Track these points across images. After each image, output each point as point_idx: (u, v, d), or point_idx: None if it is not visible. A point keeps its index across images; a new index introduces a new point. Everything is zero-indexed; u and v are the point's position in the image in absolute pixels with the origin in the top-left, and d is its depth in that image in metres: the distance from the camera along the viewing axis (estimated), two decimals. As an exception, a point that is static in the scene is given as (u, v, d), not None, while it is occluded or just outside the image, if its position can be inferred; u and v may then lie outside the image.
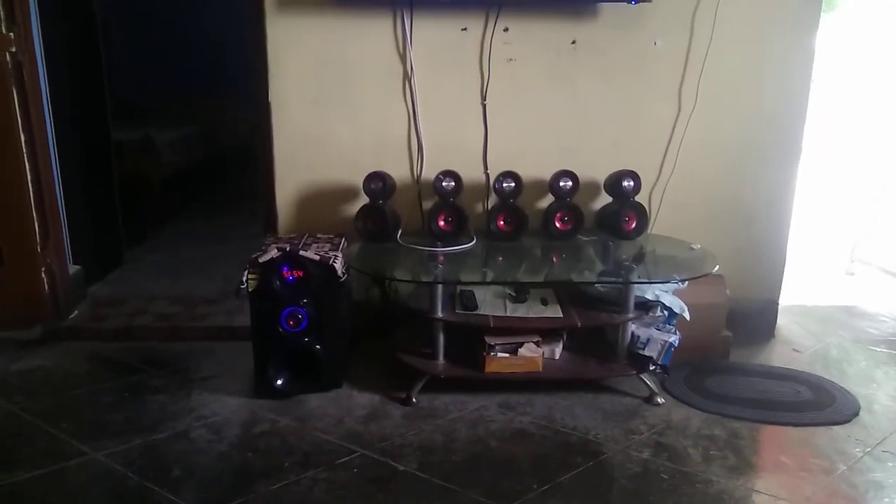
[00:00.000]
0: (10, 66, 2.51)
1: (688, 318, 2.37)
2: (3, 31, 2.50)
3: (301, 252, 2.27)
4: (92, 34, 3.27)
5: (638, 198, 2.57)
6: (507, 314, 2.34)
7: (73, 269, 2.97)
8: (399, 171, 2.64)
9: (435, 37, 2.53)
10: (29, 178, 2.62)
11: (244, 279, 2.24)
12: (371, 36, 2.52)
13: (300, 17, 2.49)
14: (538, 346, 2.30)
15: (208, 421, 2.14)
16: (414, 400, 2.26)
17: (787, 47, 2.59)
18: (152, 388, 2.36)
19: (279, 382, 2.27)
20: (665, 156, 2.67)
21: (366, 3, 2.47)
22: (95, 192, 3.28)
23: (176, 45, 5.30)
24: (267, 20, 2.50)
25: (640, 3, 2.40)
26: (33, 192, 2.63)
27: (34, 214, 2.64)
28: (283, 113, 2.59)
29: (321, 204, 2.67)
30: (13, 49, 2.53)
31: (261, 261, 2.23)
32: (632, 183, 2.53)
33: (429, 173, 2.61)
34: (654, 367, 2.30)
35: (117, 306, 2.97)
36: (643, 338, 2.33)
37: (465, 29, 2.53)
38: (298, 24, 2.50)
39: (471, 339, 2.35)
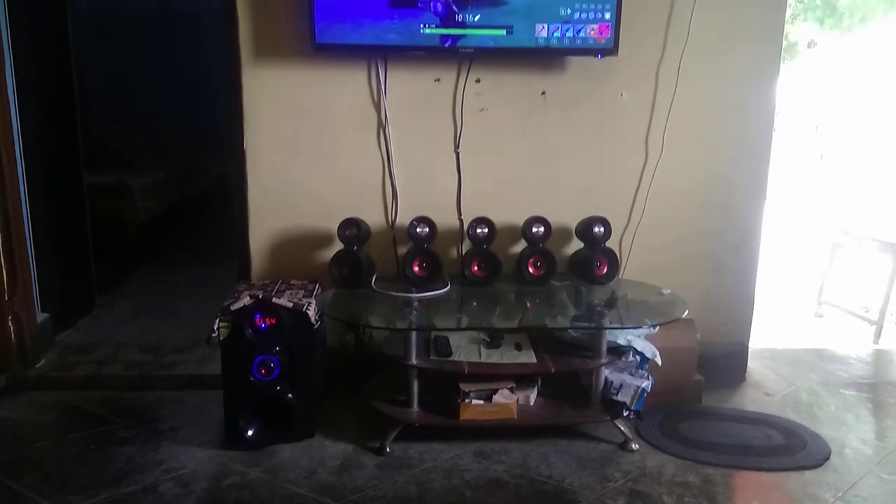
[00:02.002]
0: (-18, 114, 2.52)
1: (659, 362, 2.39)
2: (-24, 79, 2.51)
3: (274, 299, 2.26)
4: (67, 79, 3.29)
5: (609, 243, 2.61)
6: (482, 360, 2.34)
7: (41, 316, 2.92)
8: (374, 217, 2.66)
9: (409, 87, 2.58)
10: (-1, 223, 2.59)
11: (216, 327, 2.22)
12: (346, 86, 2.57)
13: (276, 66, 2.54)
14: (512, 393, 2.30)
15: (177, 474, 2.09)
16: (388, 449, 2.23)
17: (748, 96, 2.68)
18: (120, 440, 2.30)
19: (250, 433, 2.23)
20: (634, 202, 2.73)
21: (341, 55, 2.52)
22: (67, 237, 3.25)
23: (152, 90, 5.33)
24: (243, 69, 2.54)
25: (607, 57, 2.48)
26: (2, 239, 2.60)
27: (2, 262, 2.60)
28: (258, 160, 2.61)
29: (295, 250, 2.67)
30: (-14, 97, 2.53)
31: (233, 308, 2.22)
32: (602, 229, 2.58)
33: (403, 219, 2.63)
34: (627, 413, 2.31)
35: (86, 354, 2.92)
36: (616, 383, 2.34)
37: (438, 80, 2.59)
38: (274, 73, 2.54)
39: (445, 385, 2.34)
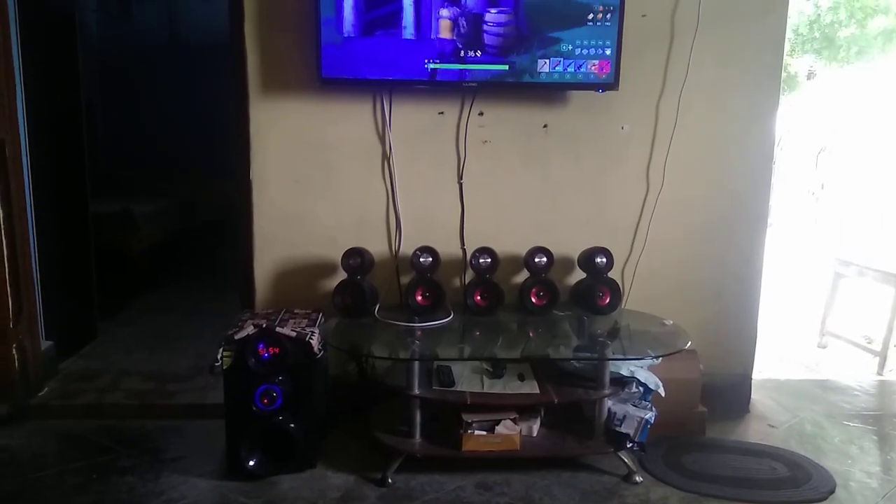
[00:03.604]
0: (-7, 144, 2.56)
1: (663, 394, 2.38)
2: (-11, 110, 2.55)
3: (277, 328, 2.27)
4: (76, 112, 3.35)
5: (611, 273, 2.62)
6: (484, 390, 2.34)
7: (45, 344, 2.93)
8: (377, 247, 2.68)
9: (413, 120, 2.62)
10: (6, 253, 2.61)
11: (219, 356, 2.22)
12: (352, 119, 2.61)
13: (283, 99, 2.58)
14: (515, 424, 2.30)
15: (178, 504, 2.09)
16: (390, 480, 2.22)
17: (748, 129, 2.72)
18: (121, 469, 2.29)
19: (251, 463, 2.23)
20: (636, 233, 2.75)
21: (347, 89, 2.56)
22: (72, 265, 3.28)
23: (159, 120, 5.40)
24: (251, 101, 2.58)
25: (608, 92, 2.52)
26: (9, 267, 2.62)
27: (8, 290, 2.62)
28: (264, 190, 2.65)
29: (299, 279, 2.69)
30: (-2, 128, 2.58)
31: (236, 338, 2.23)
32: (604, 259, 2.59)
33: (407, 249, 2.65)
34: (631, 445, 2.30)
35: (89, 382, 2.92)
36: (619, 414, 2.33)
37: (441, 113, 2.63)
38: (281, 106, 2.59)
39: (448, 415, 2.33)
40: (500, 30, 2.41)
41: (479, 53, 2.43)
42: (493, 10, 2.40)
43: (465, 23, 2.40)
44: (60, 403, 2.74)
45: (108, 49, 5.18)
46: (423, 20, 2.40)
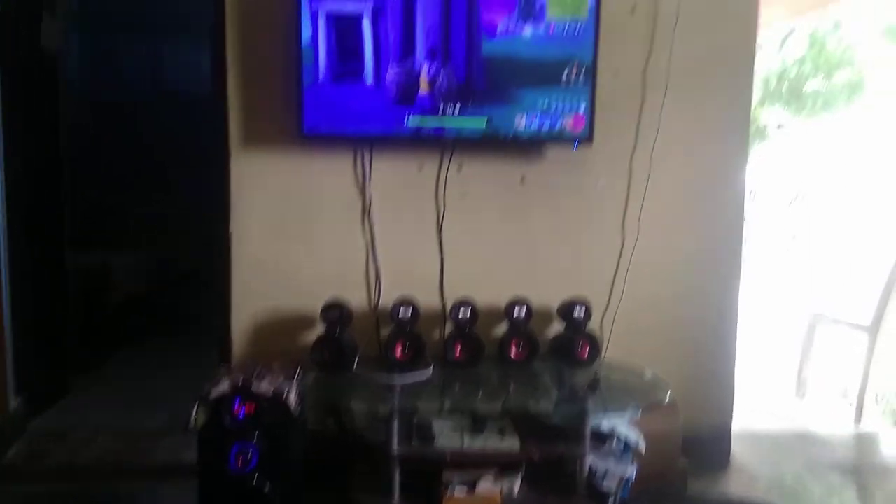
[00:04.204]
0: (-32, 199, 2.54)
1: (643, 450, 2.37)
2: (-34, 165, 2.54)
3: (254, 385, 2.23)
4: (55, 162, 3.34)
5: (590, 324, 2.63)
6: (465, 445, 2.31)
7: (14, 401, 2.85)
8: (357, 300, 2.67)
9: (393, 173, 2.65)
10: (-24, 309, 2.57)
11: (193, 415, 2.18)
12: (332, 172, 2.64)
13: (264, 153, 2.61)
14: (496, 481, 2.26)
15: (147, 571, 2.01)
16: (368, 541, 2.17)
17: (719, 182, 2.79)
18: (89, 534, 2.22)
19: (225, 526, 2.16)
20: (613, 284, 2.78)
21: (328, 144, 2.59)
22: (46, 319, 3.21)
23: (139, 171, 5.40)
24: (232, 154, 2.60)
25: (583, 146, 2.58)
26: (-21, 323, 2.57)
27: (-23, 346, 2.57)
28: (243, 243, 2.64)
29: (277, 332, 2.66)
30: (-26, 183, 2.56)
31: (211, 395, 2.19)
32: (583, 311, 2.60)
33: (386, 301, 2.65)
34: (612, 502, 2.27)
35: (59, 442, 2.83)
36: (601, 471, 2.31)
37: (421, 167, 2.67)
38: (262, 159, 2.61)
39: (427, 473, 2.29)
40: (476, 87, 2.47)
41: (457, 109, 2.48)
42: (468, 69, 2.46)
43: (443, 79, 2.46)
44: (29, 466, 2.65)
45: (89, 100, 5.20)
46: (404, 72, 2.45)
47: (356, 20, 2.44)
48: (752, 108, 2.86)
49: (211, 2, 2.59)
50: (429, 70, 2.45)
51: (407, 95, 2.46)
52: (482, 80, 2.47)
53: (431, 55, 2.45)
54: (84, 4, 4.63)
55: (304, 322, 2.65)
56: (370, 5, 2.42)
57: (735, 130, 2.79)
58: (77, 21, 4.46)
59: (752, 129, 2.83)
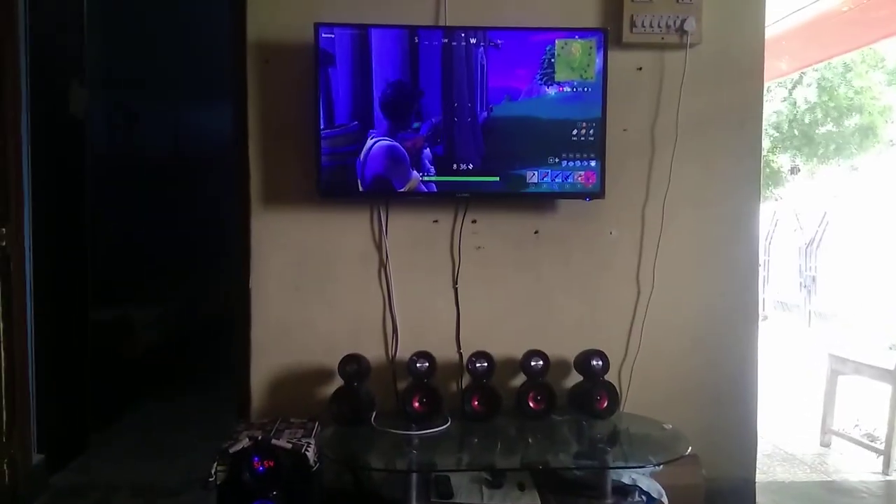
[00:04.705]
0: (-2, 258, 2.62)
1: (666, 502, 2.34)
2: (-3, 226, 2.63)
3: (273, 440, 2.25)
4: (80, 220, 3.43)
5: (607, 376, 2.63)
6: (484, 501, 2.29)
7: (36, 458, 2.87)
8: (374, 353, 2.69)
9: (409, 228, 2.71)
10: (3, 366, 2.62)
11: (213, 470, 2.19)
12: (349, 228, 2.70)
13: (283, 211, 2.68)
14: (516, 537, 2.24)
15: None
16: None
17: (733, 231, 2.80)
18: None
19: (244, 585, 2.15)
20: (630, 335, 2.78)
21: (346, 202, 2.67)
22: (67, 375, 3.26)
23: (160, 227, 5.52)
24: (252, 213, 2.67)
25: (595, 200, 2.62)
26: (5, 382, 2.62)
27: (3, 404, 2.61)
28: (263, 297, 2.69)
29: (296, 386, 2.68)
30: (3, 244, 2.65)
31: (231, 451, 2.20)
32: (600, 362, 2.60)
33: (403, 354, 2.67)
34: (635, 557, 2.23)
35: (79, 498, 2.84)
36: (622, 525, 2.28)
37: (436, 221, 2.72)
38: (281, 217, 2.67)
39: (446, 529, 2.27)
40: (487, 147, 2.54)
41: (470, 167, 2.55)
42: (482, 128, 2.54)
43: (456, 139, 2.53)
44: (49, 521, 2.66)
45: (112, 158, 5.37)
46: (415, 134, 2.53)
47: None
48: (765, 153, 2.90)
49: (232, 67, 2.71)
50: (440, 133, 2.53)
51: (415, 160, 2.54)
52: (493, 140, 2.54)
53: (444, 117, 2.53)
54: (109, 70, 4.83)
55: (322, 376, 2.68)
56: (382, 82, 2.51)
57: (746, 179, 2.82)
58: (103, 86, 4.65)
59: (767, 172, 2.86)
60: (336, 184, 2.54)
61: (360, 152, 2.53)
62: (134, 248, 5.41)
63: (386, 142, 2.54)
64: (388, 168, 2.54)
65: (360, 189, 2.55)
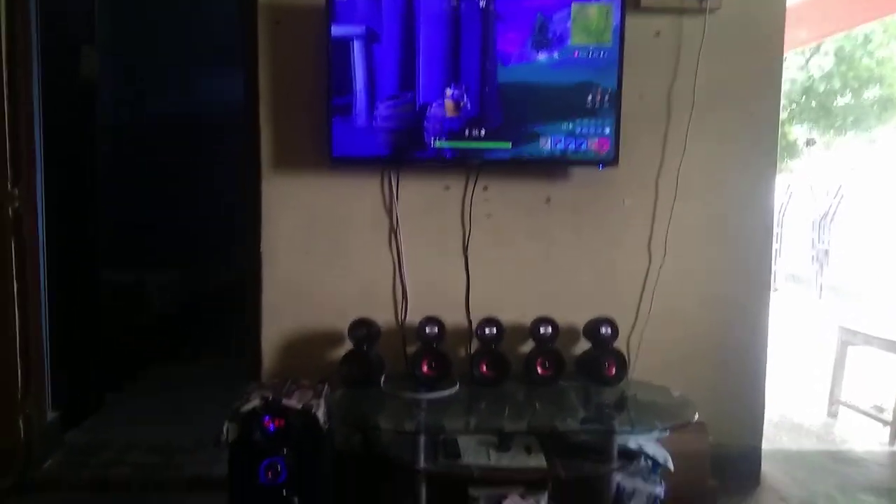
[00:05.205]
0: (11, 219, 2.63)
1: (672, 468, 2.36)
2: (9, 187, 2.64)
3: (283, 400, 2.27)
4: (92, 182, 3.45)
5: (616, 343, 2.64)
6: (491, 463, 2.32)
7: (51, 415, 2.93)
8: (384, 318, 2.71)
9: (420, 194, 2.70)
10: (17, 325, 2.66)
11: (224, 429, 2.22)
12: (360, 193, 2.70)
13: (294, 176, 2.67)
14: (523, 499, 2.27)
15: (179, 583, 2.05)
16: (395, 558, 2.18)
17: (748, 201, 2.78)
18: (124, 546, 2.27)
19: (256, 539, 2.19)
20: (640, 303, 2.78)
21: (357, 166, 2.66)
22: (81, 336, 3.31)
23: (173, 192, 5.53)
24: (263, 177, 2.68)
25: (608, 167, 2.60)
26: (20, 340, 2.66)
27: (18, 362, 2.65)
28: (274, 262, 2.70)
29: (306, 349, 2.71)
30: (16, 204, 2.66)
31: (242, 410, 2.23)
32: (609, 330, 2.61)
33: (413, 319, 2.68)
34: (640, 521, 2.26)
35: (93, 455, 2.91)
36: (629, 489, 2.31)
37: (447, 188, 2.71)
38: (292, 182, 2.67)
39: (454, 490, 2.30)
40: (499, 112, 2.51)
41: (482, 132, 2.53)
42: (490, 95, 2.51)
43: (469, 104, 2.51)
44: (65, 477, 2.72)
45: (124, 124, 5.36)
46: (426, 99, 2.51)
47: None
48: (781, 124, 2.85)
49: (242, 28, 2.69)
50: (453, 95, 2.50)
51: (433, 119, 2.51)
52: (505, 104, 2.51)
53: (454, 82, 2.50)
54: (120, 35, 4.80)
55: (332, 340, 2.70)
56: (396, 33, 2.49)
57: (763, 149, 2.78)
58: (113, 51, 4.62)
59: (783, 144, 2.82)
60: (346, 148, 2.52)
61: (372, 116, 2.51)
62: (145, 214, 5.44)
63: (398, 105, 2.51)
64: (399, 133, 2.52)
65: (371, 154, 2.53)
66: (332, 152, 2.52)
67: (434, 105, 2.51)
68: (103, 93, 3.87)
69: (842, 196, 7.76)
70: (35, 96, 2.82)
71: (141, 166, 5.45)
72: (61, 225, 3.07)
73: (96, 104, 3.52)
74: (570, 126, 2.53)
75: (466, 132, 2.52)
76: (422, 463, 2.27)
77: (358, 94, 2.49)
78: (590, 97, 2.52)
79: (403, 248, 2.71)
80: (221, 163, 4.79)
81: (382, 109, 2.51)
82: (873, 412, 3.58)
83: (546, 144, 2.54)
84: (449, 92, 2.50)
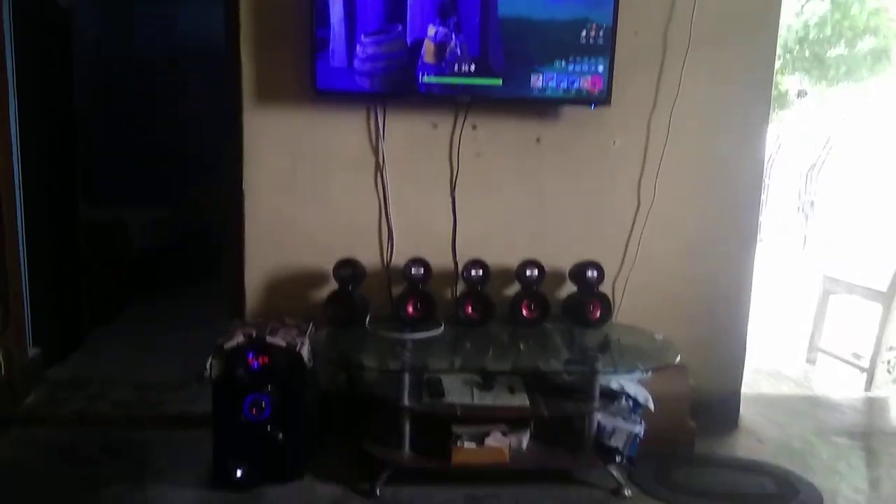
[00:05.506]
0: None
1: (652, 408, 2.39)
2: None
3: (268, 338, 2.26)
4: (68, 117, 3.34)
5: (602, 287, 2.63)
6: (475, 402, 2.34)
7: (32, 351, 2.90)
8: (369, 258, 2.68)
9: (407, 132, 2.64)
10: (-6, 259, 2.60)
11: (208, 365, 2.21)
12: (345, 129, 2.62)
13: (277, 110, 2.59)
14: (505, 436, 2.29)
15: (163, 514, 2.07)
16: (378, 492, 2.21)
17: (739, 145, 2.74)
18: (107, 479, 2.27)
19: (238, 474, 2.21)
20: (627, 247, 2.76)
21: (342, 101, 2.57)
22: (61, 273, 3.26)
23: (153, 128, 5.40)
24: (245, 111, 2.59)
25: (600, 107, 2.54)
26: (-3, 273, 2.61)
27: (-4, 296, 2.61)
28: (256, 200, 2.65)
29: (290, 289, 2.68)
30: (-11, 134, 2.57)
31: (226, 347, 2.22)
32: (595, 273, 2.60)
33: (399, 260, 2.65)
34: (620, 459, 2.30)
35: (76, 391, 2.90)
36: (609, 428, 2.34)
37: (435, 126, 2.64)
38: (275, 116, 2.59)
39: (437, 427, 2.33)
40: (490, 46, 2.43)
41: (472, 68, 2.45)
42: (482, 28, 2.42)
43: (461, 38, 2.42)
44: (46, 412, 2.72)
45: (103, 56, 5.18)
46: (415, 33, 2.42)
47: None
48: (774, 73, 2.80)
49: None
50: (437, 34, 2.41)
51: (414, 59, 2.43)
52: (497, 39, 2.43)
53: (446, 15, 2.41)
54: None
55: (317, 279, 2.67)
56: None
57: (757, 94, 2.73)
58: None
59: (774, 95, 2.77)
60: (331, 82, 2.44)
61: (357, 49, 2.42)
62: (126, 150, 5.32)
63: (383, 38, 2.42)
64: (385, 67, 2.44)
65: (356, 88, 2.46)
66: (315, 84, 2.44)
67: (423, 39, 2.42)
68: (80, 24, 3.72)
69: (830, 147, 7.74)
70: (6, 21, 2.69)
71: (120, 100, 5.30)
72: (37, 160, 2.97)
73: (73, 35, 3.38)
74: (563, 63, 2.46)
75: (456, 67, 2.45)
76: (406, 401, 2.28)
77: (335, 27, 2.40)
78: (584, 33, 2.44)
79: (389, 188, 2.66)
80: (204, 97, 4.66)
81: (368, 42, 2.42)
82: (851, 359, 3.64)
83: (538, 82, 2.47)
84: (433, 30, 2.41)
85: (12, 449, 2.47)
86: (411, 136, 2.64)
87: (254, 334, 2.28)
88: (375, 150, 2.64)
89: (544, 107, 2.62)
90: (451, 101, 2.56)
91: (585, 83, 2.48)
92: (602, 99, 2.50)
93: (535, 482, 2.30)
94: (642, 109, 2.68)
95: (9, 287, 2.67)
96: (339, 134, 2.62)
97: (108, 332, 3.72)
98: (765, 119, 2.75)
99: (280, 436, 2.23)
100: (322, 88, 2.45)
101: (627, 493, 2.27)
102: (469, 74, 2.46)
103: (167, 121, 5.33)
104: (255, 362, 2.23)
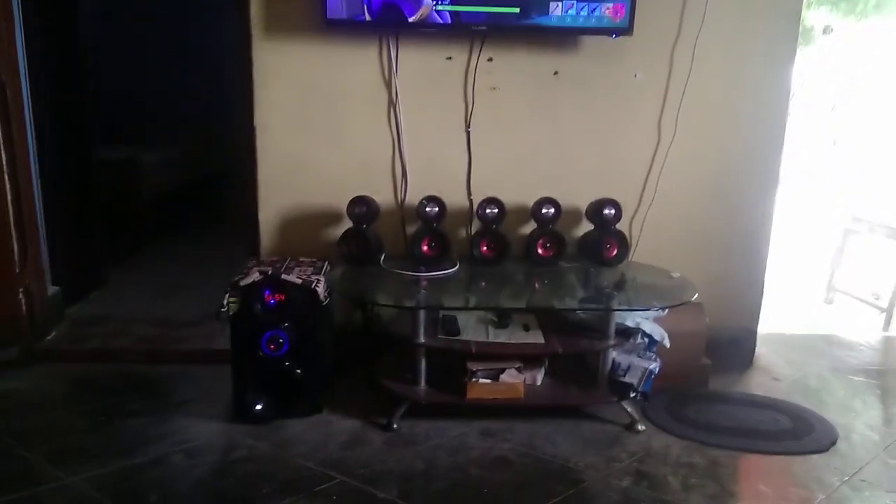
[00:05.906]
0: (-8, 86, 2.52)
1: (668, 345, 2.38)
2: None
3: (283, 275, 2.26)
4: (78, 57, 3.28)
5: (619, 225, 2.59)
6: (489, 340, 2.35)
7: (52, 289, 2.94)
8: (383, 196, 2.65)
9: (420, 65, 2.56)
10: (9, 197, 2.60)
11: (225, 302, 2.22)
12: (357, 63, 2.55)
13: (286, 43, 2.52)
14: (520, 373, 2.31)
15: (186, 446, 2.11)
16: (395, 426, 2.25)
17: (764, 80, 2.65)
18: (130, 412, 2.32)
19: (258, 407, 2.25)
20: (645, 185, 2.71)
21: (352, 31, 2.50)
22: (77, 212, 3.26)
23: (164, 66, 5.32)
24: (254, 45, 2.52)
25: (621, 37, 2.45)
26: (13, 212, 2.61)
27: (13, 234, 2.62)
28: (268, 137, 2.61)
29: (304, 228, 2.67)
30: (-4, 70, 2.53)
31: (242, 284, 2.23)
32: (613, 211, 2.56)
33: (413, 198, 2.62)
34: (634, 395, 2.31)
35: (96, 327, 2.94)
36: (624, 365, 2.34)
37: (449, 58, 2.56)
38: (285, 49, 2.53)
39: (452, 364, 2.34)
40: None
41: (488, -5, 2.36)
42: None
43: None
44: (68, 348, 2.77)
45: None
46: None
47: None
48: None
49: None
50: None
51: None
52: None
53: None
54: None
55: (331, 217, 2.65)
56: None
57: (784, 26, 2.62)
58: None
59: (799, 30, 2.65)
60: (342, 11, 2.36)
61: (370, -23, 2.33)
62: (137, 89, 5.26)
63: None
64: (399, -4, 2.35)
65: (367, 18, 2.38)
66: (325, 14, 2.36)
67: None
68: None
69: (855, 84, 7.49)
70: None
71: (129, 39, 5.21)
72: (48, 99, 2.93)
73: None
74: (584, -11, 2.36)
75: (472, -6, 2.36)
76: (421, 338, 2.29)
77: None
78: (606, -44, 2.33)
79: (403, 123, 2.61)
80: (213, 35, 4.56)
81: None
82: (870, 299, 3.61)
83: (557, 10, 2.38)
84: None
85: (34, 382, 2.53)
86: (425, 69, 2.57)
87: (269, 272, 2.28)
88: (388, 85, 2.58)
89: (563, 37, 2.52)
90: (466, 31, 2.47)
91: (607, 11, 2.38)
92: (624, 28, 2.41)
93: (548, 417, 2.32)
94: (665, 40, 2.58)
95: (25, 225, 2.68)
96: (351, 67, 2.56)
97: (126, 272, 3.75)
98: (791, 52, 2.65)
99: (298, 371, 2.25)
100: (332, 18, 2.37)
101: (640, 427, 2.29)
102: (485, 2, 2.36)
103: (178, 57, 5.25)
104: (272, 300, 2.24)
